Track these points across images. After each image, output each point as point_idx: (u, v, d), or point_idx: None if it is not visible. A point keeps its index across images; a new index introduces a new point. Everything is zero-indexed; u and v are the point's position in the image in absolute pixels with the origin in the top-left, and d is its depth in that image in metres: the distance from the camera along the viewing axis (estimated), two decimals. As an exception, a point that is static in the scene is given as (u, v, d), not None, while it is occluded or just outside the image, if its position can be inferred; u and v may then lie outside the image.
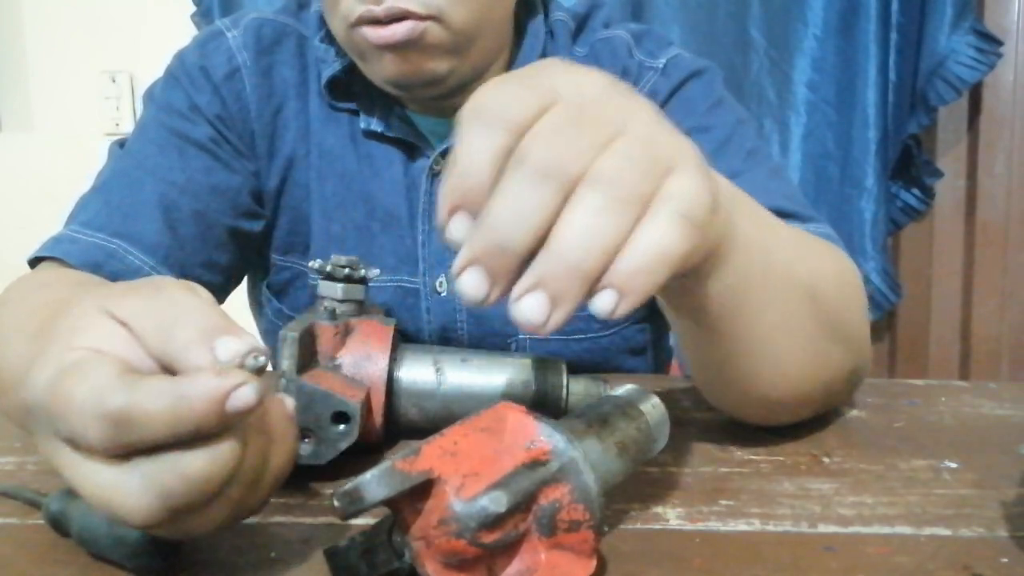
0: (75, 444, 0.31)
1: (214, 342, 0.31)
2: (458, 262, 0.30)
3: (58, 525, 0.40)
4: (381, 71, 0.66)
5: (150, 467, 0.30)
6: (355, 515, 0.31)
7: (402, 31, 0.62)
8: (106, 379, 0.30)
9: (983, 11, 1.63)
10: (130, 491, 0.30)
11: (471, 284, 0.30)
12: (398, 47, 0.63)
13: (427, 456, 0.32)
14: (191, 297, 0.34)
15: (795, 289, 0.48)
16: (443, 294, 0.74)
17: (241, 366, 0.31)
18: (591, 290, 0.30)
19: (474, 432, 0.34)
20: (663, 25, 1.60)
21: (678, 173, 0.32)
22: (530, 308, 0.30)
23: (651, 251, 0.31)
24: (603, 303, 0.30)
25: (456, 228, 0.31)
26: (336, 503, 0.31)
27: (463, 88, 0.70)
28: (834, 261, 0.57)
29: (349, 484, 0.31)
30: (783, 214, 0.64)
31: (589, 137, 0.31)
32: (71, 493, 0.40)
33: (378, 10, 0.62)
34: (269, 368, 0.34)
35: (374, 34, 0.63)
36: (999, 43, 1.56)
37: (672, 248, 0.31)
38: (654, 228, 0.31)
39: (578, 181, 0.30)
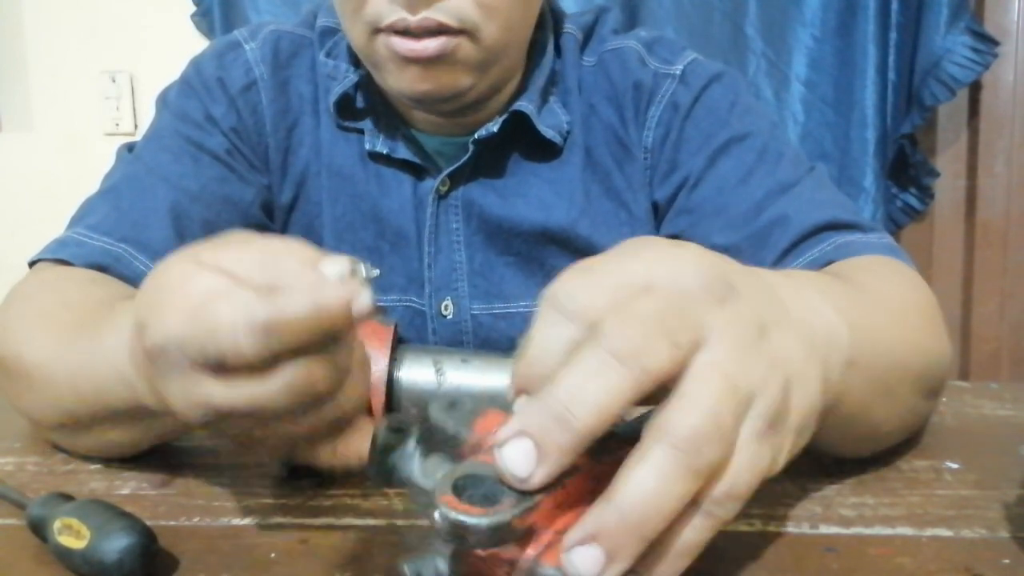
0: (223, 365, 0.33)
1: (317, 266, 0.35)
2: (506, 430, 0.28)
3: (37, 530, 0.40)
4: (401, 83, 0.64)
5: (288, 372, 0.34)
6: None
7: (434, 47, 0.60)
8: (246, 296, 0.33)
9: (983, 11, 1.63)
10: (273, 397, 0.34)
11: (516, 456, 0.28)
12: (426, 61, 0.62)
13: (540, 511, 0.29)
14: (278, 239, 0.37)
15: (903, 384, 0.47)
16: (448, 317, 0.74)
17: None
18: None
19: (586, 482, 0.30)
20: (658, 26, 1.59)
21: (747, 427, 0.29)
22: (583, 562, 0.27)
23: (677, 547, 0.29)
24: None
25: (519, 407, 0.30)
26: (438, 519, 0.28)
27: (477, 105, 0.69)
28: (923, 315, 0.52)
29: (456, 515, 0.27)
30: (840, 226, 0.64)
31: (671, 335, 0.29)
32: (52, 500, 0.40)
33: (412, 20, 0.60)
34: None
35: (404, 46, 0.61)
36: (995, 43, 1.55)
37: (695, 544, 0.29)
38: (687, 528, 0.29)
39: (652, 377, 0.28)
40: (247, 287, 0.34)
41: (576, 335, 0.29)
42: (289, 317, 0.33)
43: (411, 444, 0.32)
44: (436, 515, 0.28)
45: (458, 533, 0.27)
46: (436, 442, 0.32)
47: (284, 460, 0.46)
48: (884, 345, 0.43)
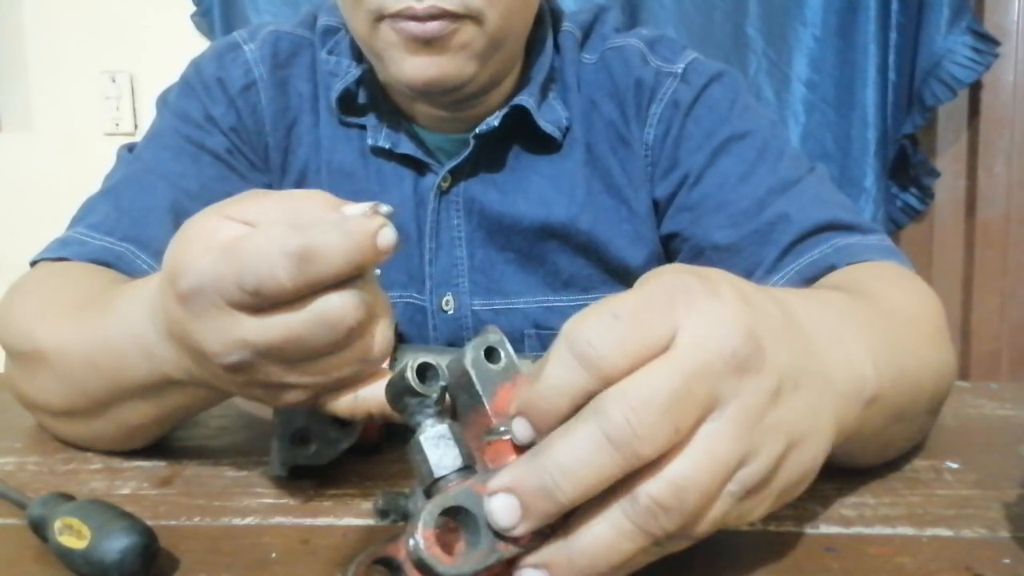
0: (258, 296, 0.35)
1: (339, 210, 0.36)
2: (497, 480, 0.30)
3: (38, 530, 0.40)
4: (404, 71, 0.64)
5: (320, 303, 0.35)
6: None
7: (436, 25, 0.61)
8: (277, 228, 0.35)
9: (983, 11, 1.63)
10: (307, 329, 0.35)
11: (503, 510, 0.29)
12: (430, 42, 0.62)
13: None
14: (299, 190, 0.39)
15: (917, 407, 0.47)
16: (449, 312, 0.74)
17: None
18: None
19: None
20: (659, 25, 1.59)
21: (725, 490, 0.30)
22: None
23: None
24: None
25: (517, 427, 0.31)
26: (411, 546, 0.29)
27: (477, 97, 0.69)
28: (937, 329, 0.52)
29: (427, 557, 0.28)
30: (843, 226, 0.64)
31: (675, 421, 0.29)
32: (53, 500, 0.40)
33: (419, 8, 0.61)
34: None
35: (410, 23, 0.61)
36: (996, 43, 1.55)
37: (637, 564, 0.31)
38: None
39: (644, 461, 0.29)
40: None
41: (586, 385, 0.29)
42: (321, 244, 0.34)
43: (433, 396, 0.32)
44: (411, 542, 0.29)
45: (423, 568, 0.29)
46: (456, 394, 0.33)
47: (284, 461, 0.46)
48: (905, 374, 0.43)
